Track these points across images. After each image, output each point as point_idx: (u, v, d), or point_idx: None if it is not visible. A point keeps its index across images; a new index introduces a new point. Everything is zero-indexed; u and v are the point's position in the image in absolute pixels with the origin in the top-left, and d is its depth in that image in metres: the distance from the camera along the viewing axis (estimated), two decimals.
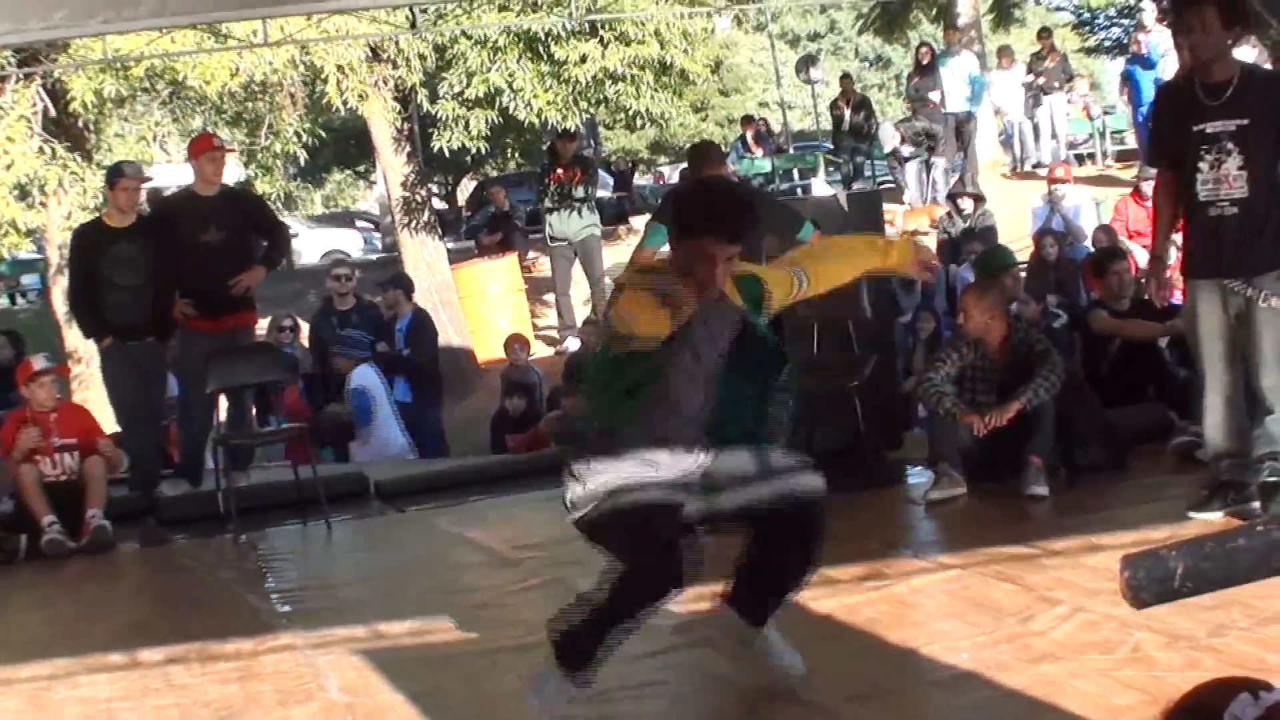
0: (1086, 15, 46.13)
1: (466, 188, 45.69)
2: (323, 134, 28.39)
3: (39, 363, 11.88)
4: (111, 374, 12.10)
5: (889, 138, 27.07)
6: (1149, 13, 25.54)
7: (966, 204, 19.39)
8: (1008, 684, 6.02)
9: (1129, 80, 25.02)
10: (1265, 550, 2.48)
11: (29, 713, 7.24)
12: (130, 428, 12.16)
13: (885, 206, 16.30)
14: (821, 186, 27.54)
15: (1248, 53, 23.67)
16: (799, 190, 29.17)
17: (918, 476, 10.83)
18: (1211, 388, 8.40)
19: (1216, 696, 2.48)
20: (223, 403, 12.12)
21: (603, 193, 31.25)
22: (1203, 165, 8.15)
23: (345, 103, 20.23)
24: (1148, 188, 17.44)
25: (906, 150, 26.32)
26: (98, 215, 13.28)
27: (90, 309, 12.04)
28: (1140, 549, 2.62)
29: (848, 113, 28.54)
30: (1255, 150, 8.10)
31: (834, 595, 7.58)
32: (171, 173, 24.52)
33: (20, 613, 9.83)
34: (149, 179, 14.43)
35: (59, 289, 20.69)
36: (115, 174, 12.20)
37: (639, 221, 29.41)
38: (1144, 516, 8.65)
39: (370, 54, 20.24)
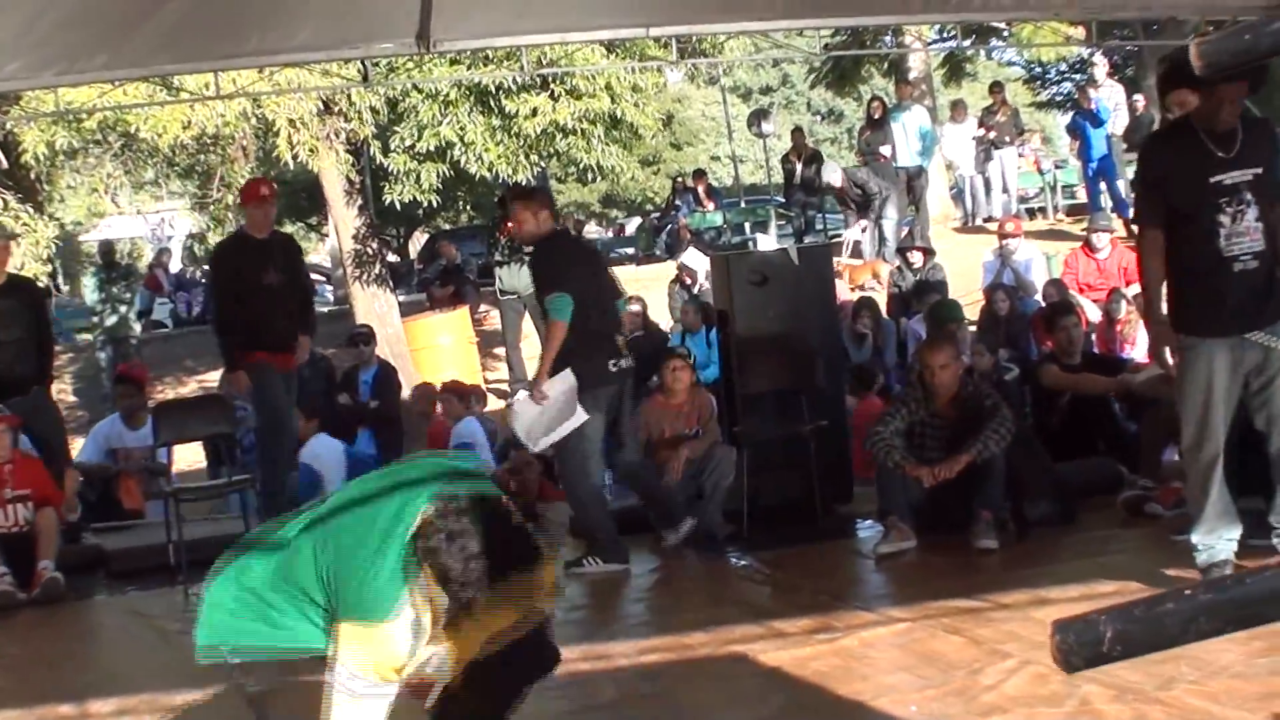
0: (1038, 70, 46.38)
1: (418, 240, 45.67)
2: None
3: None
4: None
5: (831, 173, 26.82)
6: (1100, 68, 25.71)
7: (916, 258, 19.41)
8: None
9: (1079, 134, 25.11)
10: (1191, 614, 2.51)
11: None
12: None
13: (836, 260, 16.34)
14: (770, 240, 27.52)
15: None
16: (750, 243, 29.16)
17: (867, 530, 10.87)
18: (1212, 456, 7.97)
19: None
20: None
21: None
22: (1223, 218, 7.84)
23: (295, 156, 20.21)
24: (1098, 241, 17.55)
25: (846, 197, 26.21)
26: None
27: None
28: (1074, 615, 2.64)
29: (799, 166, 28.55)
30: (1268, 199, 7.91)
31: (783, 648, 7.61)
32: (123, 224, 24.46)
33: None
34: (15, 237, 14.74)
35: None
36: None
37: None
38: (1093, 570, 8.69)
39: (322, 107, 20.22)
